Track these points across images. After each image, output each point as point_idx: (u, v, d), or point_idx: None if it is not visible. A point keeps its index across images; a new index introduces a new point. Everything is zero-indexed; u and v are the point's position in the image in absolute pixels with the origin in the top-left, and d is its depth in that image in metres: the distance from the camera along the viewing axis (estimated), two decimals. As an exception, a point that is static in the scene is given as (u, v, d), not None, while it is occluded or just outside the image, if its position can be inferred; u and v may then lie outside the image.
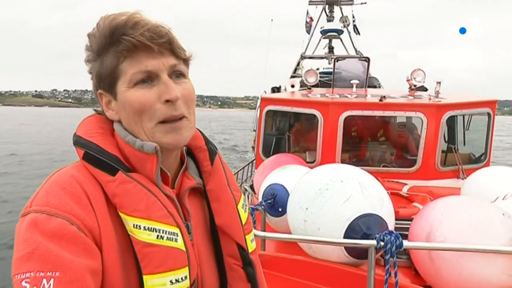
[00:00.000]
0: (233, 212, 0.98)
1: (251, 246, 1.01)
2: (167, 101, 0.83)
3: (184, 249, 0.84)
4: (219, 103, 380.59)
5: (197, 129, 0.98)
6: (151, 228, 0.80)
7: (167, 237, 0.82)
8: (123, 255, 0.80)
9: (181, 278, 0.82)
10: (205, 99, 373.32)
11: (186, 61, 0.91)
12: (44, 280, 0.66)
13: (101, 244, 0.77)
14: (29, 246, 0.69)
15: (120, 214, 0.81)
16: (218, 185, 0.98)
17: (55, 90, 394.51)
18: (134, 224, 0.80)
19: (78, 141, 0.86)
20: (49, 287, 0.66)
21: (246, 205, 1.05)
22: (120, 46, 0.82)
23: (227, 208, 0.97)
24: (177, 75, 0.88)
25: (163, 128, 0.85)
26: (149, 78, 0.84)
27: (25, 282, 0.66)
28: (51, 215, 0.73)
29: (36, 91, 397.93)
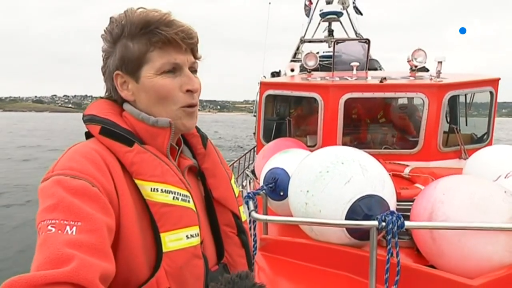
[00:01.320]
0: (227, 186, 1.12)
1: (244, 216, 1.14)
2: (188, 91, 0.97)
3: (194, 209, 0.95)
4: (219, 107, 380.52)
5: None
6: (167, 191, 0.90)
7: (182, 199, 0.92)
8: (140, 217, 0.88)
9: (195, 234, 0.93)
10: (205, 104, 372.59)
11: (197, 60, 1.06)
12: (68, 227, 0.72)
13: (119, 207, 0.84)
14: (54, 199, 0.76)
15: (137, 181, 0.89)
16: (213, 164, 1.11)
17: (55, 95, 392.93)
18: (151, 188, 0.89)
19: (94, 119, 0.95)
20: (72, 233, 0.72)
21: (236, 181, 1.19)
22: (155, 37, 0.93)
23: (222, 183, 1.10)
24: (193, 70, 1.01)
25: (184, 112, 0.98)
26: (174, 70, 0.96)
27: (51, 226, 0.72)
28: (74, 177, 0.80)
29: (35, 96, 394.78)
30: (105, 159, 0.87)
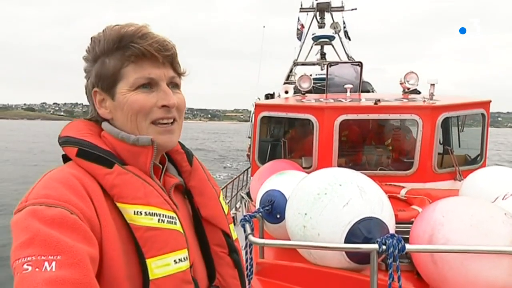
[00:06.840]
0: (216, 204, 1.07)
1: (234, 234, 1.10)
2: (164, 106, 0.93)
3: (182, 231, 0.91)
4: (209, 116, 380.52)
5: None
6: (152, 213, 0.86)
7: (168, 221, 0.88)
8: (124, 243, 0.83)
9: (183, 258, 0.88)
10: (196, 112, 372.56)
11: (180, 75, 1.01)
12: (46, 263, 0.66)
13: (101, 234, 0.79)
14: (29, 233, 0.70)
15: (119, 204, 0.85)
16: (200, 181, 1.07)
17: (45, 103, 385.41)
18: (134, 211, 0.84)
19: (69, 141, 0.90)
20: (51, 270, 0.66)
21: (225, 198, 1.15)
22: (128, 51, 0.90)
23: (211, 200, 1.06)
24: (173, 85, 0.97)
25: (157, 129, 0.94)
26: (149, 85, 0.93)
27: (27, 264, 0.66)
28: (50, 206, 0.74)
29: (25, 104, 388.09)
30: (84, 184, 0.82)
